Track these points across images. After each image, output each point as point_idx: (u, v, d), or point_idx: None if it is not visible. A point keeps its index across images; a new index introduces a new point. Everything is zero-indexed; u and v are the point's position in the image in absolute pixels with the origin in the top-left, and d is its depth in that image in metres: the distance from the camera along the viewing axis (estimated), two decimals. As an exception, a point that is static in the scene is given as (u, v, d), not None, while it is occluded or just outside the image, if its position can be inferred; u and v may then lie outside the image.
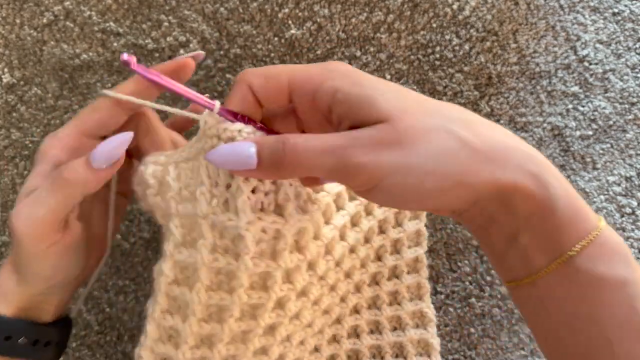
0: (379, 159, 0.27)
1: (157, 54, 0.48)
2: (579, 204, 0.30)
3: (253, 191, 0.31)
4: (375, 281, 0.43)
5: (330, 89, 0.29)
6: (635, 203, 0.49)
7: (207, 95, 0.35)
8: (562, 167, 0.49)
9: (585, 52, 0.50)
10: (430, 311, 0.44)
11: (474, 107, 0.49)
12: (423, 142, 0.27)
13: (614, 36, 0.50)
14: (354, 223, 0.39)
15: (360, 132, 0.28)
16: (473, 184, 0.28)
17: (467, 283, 0.48)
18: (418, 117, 0.28)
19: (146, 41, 0.48)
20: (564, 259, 0.29)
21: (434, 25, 0.49)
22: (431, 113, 0.29)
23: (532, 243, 0.30)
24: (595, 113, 0.50)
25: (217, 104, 0.31)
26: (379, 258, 0.43)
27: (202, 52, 0.37)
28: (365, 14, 0.49)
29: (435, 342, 0.44)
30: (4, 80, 0.48)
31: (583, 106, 0.50)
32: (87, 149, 0.34)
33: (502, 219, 0.30)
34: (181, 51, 0.47)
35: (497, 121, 0.49)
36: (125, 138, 0.33)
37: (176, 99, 0.47)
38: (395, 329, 0.44)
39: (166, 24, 0.48)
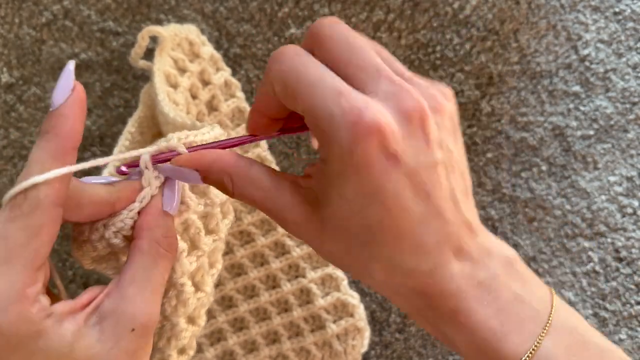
0: (301, 218, 0.28)
1: (156, 54, 0.48)
2: (512, 317, 0.27)
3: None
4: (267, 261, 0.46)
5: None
6: (636, 203, 0.49)
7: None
8: (563, 167, 0.49)
9: (586, 52, 0.50)
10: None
11: (475, 106, 0.49)
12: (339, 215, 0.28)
13: (615, 35, 0.50)
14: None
15: (292, 194, 0.28)
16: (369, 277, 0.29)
17: (468, 283, 0.48)
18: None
19: (145, 40, 0.48)
20: None
21: (435, 24, 0.49)
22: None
23: (467, 351, 0.28)
24: (597, 113, 0.50)
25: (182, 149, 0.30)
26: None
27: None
28: (365, 13, 0.48)
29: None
30: (3, 80, 0.48)
31: (584, 106, 0.50)
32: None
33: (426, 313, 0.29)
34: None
35: (498, 121, 0.49)
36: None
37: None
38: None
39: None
